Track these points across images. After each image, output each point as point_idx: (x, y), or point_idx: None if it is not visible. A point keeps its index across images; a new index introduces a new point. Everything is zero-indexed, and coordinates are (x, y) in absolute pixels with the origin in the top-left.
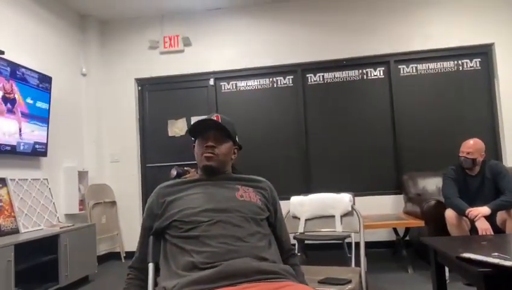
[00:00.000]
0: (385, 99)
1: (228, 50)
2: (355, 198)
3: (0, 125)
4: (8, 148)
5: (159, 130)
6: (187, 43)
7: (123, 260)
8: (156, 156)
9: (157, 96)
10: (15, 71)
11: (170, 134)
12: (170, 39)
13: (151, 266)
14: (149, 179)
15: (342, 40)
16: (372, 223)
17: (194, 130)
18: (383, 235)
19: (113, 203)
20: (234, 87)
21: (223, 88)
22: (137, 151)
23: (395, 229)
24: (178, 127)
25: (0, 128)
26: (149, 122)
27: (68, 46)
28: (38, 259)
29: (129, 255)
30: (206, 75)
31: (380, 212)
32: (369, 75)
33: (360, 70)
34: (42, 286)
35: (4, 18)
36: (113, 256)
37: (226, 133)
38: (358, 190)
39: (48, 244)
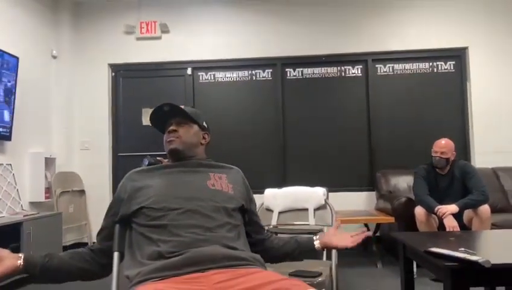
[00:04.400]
0: (362, 97)
1: (207, 39)
2: (329, 193)
3: None
4: None
5: (132, 118)
6: (165, 30)
7: None
8: (129, 145)
9: (132, 83)
10: None
11: (144, 123)
12: (147, 25)
13: (116, 255)
14: (120, 169)
15: (322, 36)
16: (344, 218)
17: (156, 122)
18: (354, 230)
19: (82, 192)
20: (212, 78)
21: (200, 78)
22: (109, 139)
23: (366, 225)
24: None
25: None
26: (122, 110)
27: (38, 26)
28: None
29: None
30: (183, 64)
31: (353, 208)
32: (347, 72)
33: (339, 68)
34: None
35: None
36: (80, 246)
37: (184, 114)
38: (332, 186)
39: (9, 233)
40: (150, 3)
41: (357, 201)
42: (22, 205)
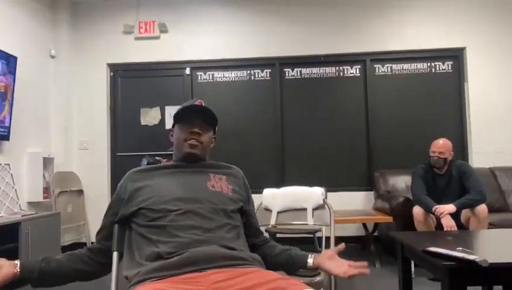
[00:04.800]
0: (360, 97)
1: (206, 39)
2: (327, 193)
3: None
4: None
5: (131, 118)
6: (163, 29)
7: None
8: (127, 145)
9: (131, 83)
10: None
11: (143, 123)
12: (146, 24)
13: (115, 255)
14: (119, 168)
15: (320, 36)
16: (342, 217)
17: (180, 115)
18: (352, 230)
19: (80, 192)
20: (211, 78)
21: (199, 78)
22: (108, 139)
23: (364, 225)
24: (151, 116)
25: None
26: (121, 110)
27: (37, 26)
28: None
29: None
30: (182, 64)
31: (351, 207)
32: (345, 72)
33: (337, 68)
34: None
35: None
36: (78, 246)
37: (212, 120)
38: (331, 185)
39: (8, 233)
40: (148, 3)
41: (355, 201)
42: (20, 205)
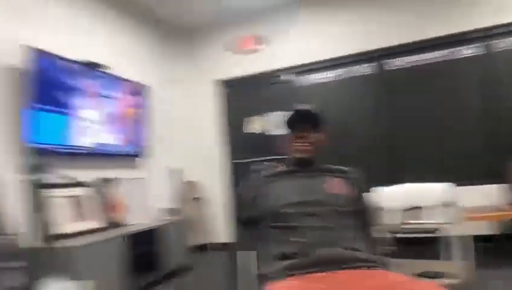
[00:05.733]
0: (477, 79)
1: (302, 44)
2: (453, 189)
3: (111, 134)
4: (117, 152)
5: (242, 128)
6: (262, 41)
7: (209, 252)
8: (241, 152)
9: (237, 95)
10: (116, 82)
11: (253, 131)
12: (244, 39)
13: (240, 254)
14: (235, 175)
15: (424, 18)
16: (472, 214)
17: (287, 122)
18: (482, 228)
19: (203, 198)
20: (310, 81)
21: (300, 83)
22: (223, 149)
23: (498, 222)
24: (260, 124)
25: (111, 136)
26: (232, 121)
27: (159, 56)
28: (143, 249)
29: (214, 247)
30: (284, 71)
31: (480, 203)
32: (458, 54)
33: (448, 51)
34: (150, 274)
35: (97, 32)
36: (201, 248)
37: (317, 121)
38: (456, 180)
39: (147, 236)
40: (247, 18)
41: (485, 196)
42: (156, 212)
